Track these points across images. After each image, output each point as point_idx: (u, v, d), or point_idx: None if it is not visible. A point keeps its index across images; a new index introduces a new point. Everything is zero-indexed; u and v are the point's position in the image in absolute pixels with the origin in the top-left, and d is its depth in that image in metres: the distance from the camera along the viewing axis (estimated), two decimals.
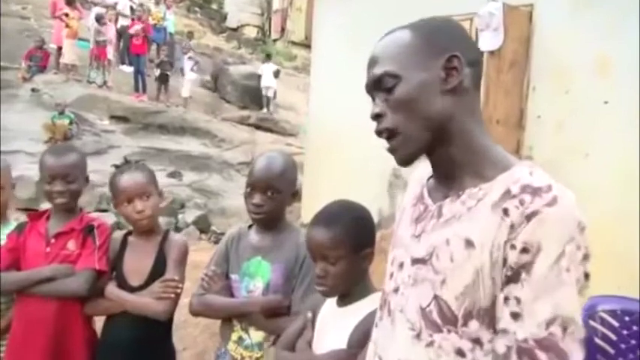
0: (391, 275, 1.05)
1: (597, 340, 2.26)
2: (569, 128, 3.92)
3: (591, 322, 2.26)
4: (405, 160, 0.99)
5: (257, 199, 1.73)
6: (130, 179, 1.92)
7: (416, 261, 0.98)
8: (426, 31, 0.99)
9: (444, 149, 0.97)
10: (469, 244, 0.89)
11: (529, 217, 0.84)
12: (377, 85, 0.99)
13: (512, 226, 0.85)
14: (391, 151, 0.99)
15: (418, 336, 0.94)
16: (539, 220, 0.83)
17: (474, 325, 0.89)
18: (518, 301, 0.84)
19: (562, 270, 0.83)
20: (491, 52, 4.22)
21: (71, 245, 1.95)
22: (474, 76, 0.99)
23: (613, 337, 2.28)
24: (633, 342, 2.20)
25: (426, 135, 0.96)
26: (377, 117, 0.99)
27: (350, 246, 1.39)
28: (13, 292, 1.94)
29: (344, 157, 5.58)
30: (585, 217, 0.86)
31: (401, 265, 1.02)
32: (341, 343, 1.38)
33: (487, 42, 4.23)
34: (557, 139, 3.96)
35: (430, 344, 0.93)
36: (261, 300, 1.74)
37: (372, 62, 1.01)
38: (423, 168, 1.08)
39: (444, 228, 0.95)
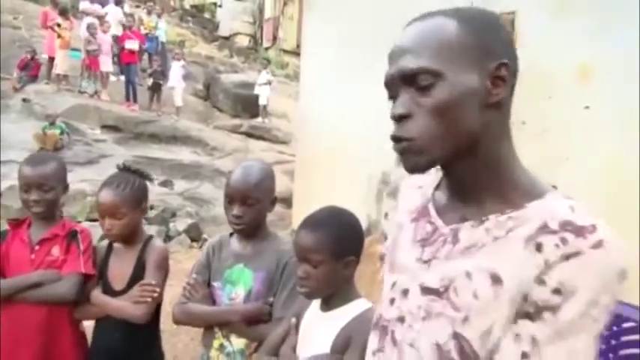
0: (392, 301, 0.93)
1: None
2: (551, 133, 3.99)
3: None
4: (416, 169, 0.85)
5: (236, 210, 1.75)
6: (105, 196, 1.92)
7: (427, 291, 0.87)
8: (477, 26, 0.83)
9: (466, 165, 0.85)
10: (496, 280, 0.79)
11: (568, 257, 0.75)
12: (407, 81, 0.82)
13: (546, 263, 0.76)
14: (401, 153, 0.84)
15: None
16: (581, 262, 0.75)
17: None
18: (533, 341, 0.76)
19: (590, 320, 0.75)
20: None
21: (55, 251, 1.97)
22: (513, 88, 0.86)
23: (613, 342, 2.32)
24: (635, 351, 2.23)
25: (449, 148, 0.82)
26: (400, 118, 0.83)
27: (332, 252, 1.41)
28: (0, 298, 1.96)
29: (333, 163, 5.63)
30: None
31: (405, 293, 0.91)
32: (324, 347, 1.40)
33: None
34: (541, 144, 4.02)
35: None
36: (242, 308, 1.76)
37: (402, 52, 0.83)
38: (417, 179, 0.97)
39: (463, 258, 0.84)
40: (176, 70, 11.63)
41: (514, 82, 0.85)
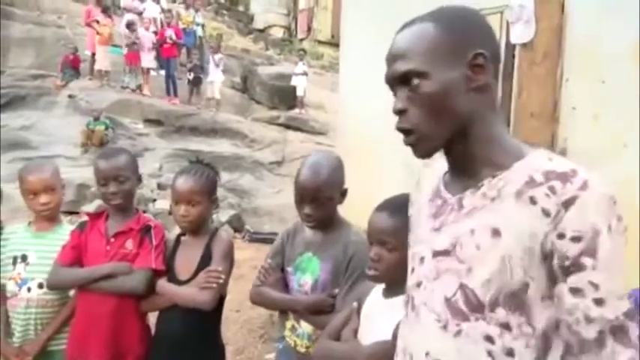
0: (412, 270, 1.06)
1: None
2: (605, 119, 3.86)
3: None
4: (424, 155, 1.00)
5: (307, 209, 1.77)
6: (183, 183, 1.97)
7: (437, 253, 0.99)
8: (450, 24, 0.96)
9: (463, 145, 0.98)
10: (495, 232, 0.90)
11: (567, 205, 0.85)
12: (400, 81, 0.98)
13: (547, 215, 0.86)
14: (409, 145, 0.99)
15: (445, 327, 0.95)
16: (580, 206, 0.84)
17: (500, 311, 0.90)
18: (596, 287, 0.84)
19: (619, 244, 0.85)
20: (524, 45, 4.19)
21: (129, 244, 2.03)
22: (496, 71, 0.98)
23: None
24: None
25: (447, 132, 0.96)
26: (400, 112, 0.98)
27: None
28: (76, 287, 2.05)
29: (373, 153, 5.61)
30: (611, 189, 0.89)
31: (422, 260, 1.03)
32: (387, 333, 1.39)
33: (519, 34, 4.20)
34: (593, 130, 3.91)
35: (458, 334, 0.93)
36: (305, 299, 1.81)
37: (395, 56, 0.98)
38: (438, 165, 1.08)
39: (467, 219, 0.95)
40: (216, 63, 11.76)
41: (495, 66, 0.97)
